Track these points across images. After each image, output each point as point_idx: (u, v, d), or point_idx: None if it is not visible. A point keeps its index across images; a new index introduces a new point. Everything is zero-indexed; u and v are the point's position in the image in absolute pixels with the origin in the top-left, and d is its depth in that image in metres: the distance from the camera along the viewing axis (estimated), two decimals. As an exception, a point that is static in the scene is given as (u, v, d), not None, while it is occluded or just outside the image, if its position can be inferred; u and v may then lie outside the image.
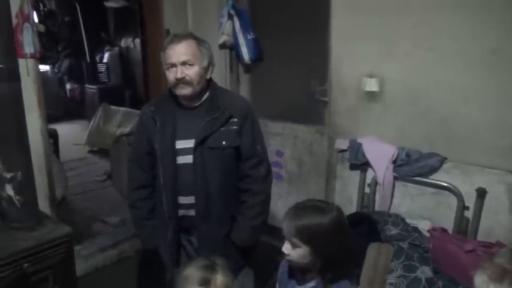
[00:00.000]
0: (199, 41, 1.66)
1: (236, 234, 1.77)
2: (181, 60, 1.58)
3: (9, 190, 1.68)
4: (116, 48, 7.20)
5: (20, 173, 1.67)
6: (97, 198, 4.05)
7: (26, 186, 1.72)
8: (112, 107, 5.64)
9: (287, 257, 1.27)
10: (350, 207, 2.49)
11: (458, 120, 2.08)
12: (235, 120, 1.66)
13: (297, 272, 1.35)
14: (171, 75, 1.61)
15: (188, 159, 1.65)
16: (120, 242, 2.96)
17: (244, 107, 1.72)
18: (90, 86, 6.94)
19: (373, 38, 2.30)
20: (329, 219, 1.22)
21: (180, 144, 1.67)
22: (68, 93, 7.48)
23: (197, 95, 1.67)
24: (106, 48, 7.29)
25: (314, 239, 1.21)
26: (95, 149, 5.58)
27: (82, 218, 3.47)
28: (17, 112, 1.63)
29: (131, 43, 6.90)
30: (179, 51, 1.59)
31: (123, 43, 7.12)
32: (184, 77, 1.59)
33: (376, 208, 2.40)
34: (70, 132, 6.43)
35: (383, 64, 2.29)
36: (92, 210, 3.67)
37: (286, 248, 1.25)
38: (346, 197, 2.54)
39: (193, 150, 1.63)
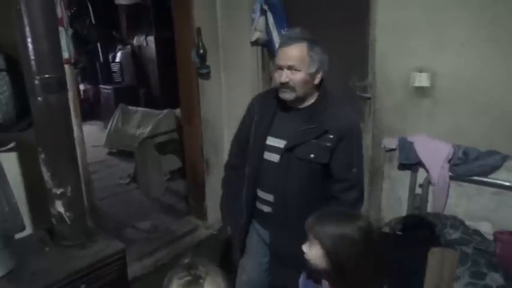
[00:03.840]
0: (312, 45, 1.57)
1: None
2: (288, 64, 1.54)
3: (59, 207, 1.59)
4: (129, 46, 7.09)
5: (69, 187, 1.58)
6: (123, 202, 3.96)
7: (76, 202, 1.63)
8: (130, 107, 5.54)
9: (305, 256, 1.30)
10: (399, 209, 2.39)
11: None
12: (331, 136, 1.56)
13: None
14: (277, 77, 1.59)
15: (275, 158, 1.65)
16: (156, 249, 2.87)
17: (346, 125, 1.60)
18: (104, 86, 6.85)
19: (423, 30, 2.18)
20: (351, 230, 1.23)
21: (272, 141, 1.67)
22: (81, 94, 7.39)
23: (301, 99, 1.62)
24: (118, 47, 7.18)
25: (330, 242, 1.24)
26: (114, 150, 5.50)
27: (112, 224, 3.38)
28: (66, 125, 1.53)
29: (144, 41, 6.78)
30: (287, 55, 1.55)
31: (135, 41, 7.00)
32: (288, 82, 1.55)
33: (429, 209, 2.29)
34: (86, 133, 6.26)
35: (435, 58, 2.17)
36: (121, 216, 3.58)
37: (305, 246, 1.30)
38: (395, 197, 2.43)
39: (282, 153, 1.62)
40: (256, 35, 2.81)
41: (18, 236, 1.79)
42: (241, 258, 1.96)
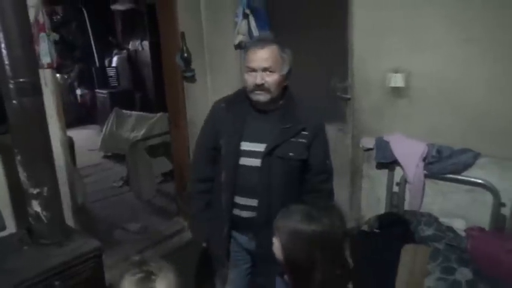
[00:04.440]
0: (282, 47, 1.63)
1: None
2: (262, 67, 1.57)
3: (36, 206, 1.65)
4: (124, 51, 7.18)
5: (46, 188, 1.64)
6: (115, 204, 4.02)
7: (53, 201, 1.68)
8: (124, 111, 5.62)
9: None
10: (378, 207, 2.43)
11: (493, 113, 2.00)
12: (306, 133, 1.64)
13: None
14: (250, 79, 1.60)
15: (253, 162, 1.65)
16: (143, 249, 2.92)
17: (319, 122, 1.70)
18: (100, 91, 6.92)
19: (398, 31, 2.23)
20: (308, 229, 1.21)
21: (247, 146, 1.66)
22: (78, 98, 7.48)
23: (274, 101, 1.65)
24: (114, 51, 7.27)
25: (286, 237, 1.25)
26: (109, 154, 5.56)
27: (102, 225, 3.45)
28: (41, 127, 1.59)
29: (139, 46, 6.86)
30: (261, 57, 1.57)
31: (131, 46, 7.08)
32: (263, 84, 1.58)
33: (406, 207, 2.33)
34: (83, 137, 6.41)
35: (409, 58, 2.21)
36: (112, 218, 3.64)
37: (274, 239, 1.30)
38: (374, 196, 2.47)
39: (263, 156, 1.62)
40: (239, 38, 2.86)
41: (0, 235, 1.85)
42: (225, 268, 1.93)
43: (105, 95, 6.76)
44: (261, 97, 1.61)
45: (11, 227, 1.94)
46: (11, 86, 1.49)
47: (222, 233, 1.76)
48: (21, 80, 1.49)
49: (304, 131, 1.64)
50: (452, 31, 2.05)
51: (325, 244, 1.22)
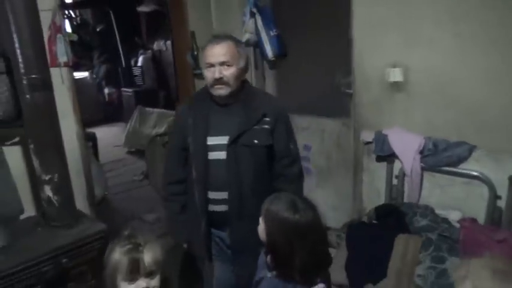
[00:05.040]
0: (237, 42, 1.70)
1: None
2: (220, 61, 1.62)
3: (48, 191, 1.81)
4: (149, 51, 7.43)
5: (56, 174, 1.80)
6: (135, 197, 4.22)
7: (63, 187, 1.85)
8: (147, 108, 5.84)
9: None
10: (378, 200, 2.48)
11: (488, 107, 2.02)
12: (268, 119, 1.69)
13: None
14: (209, 74, 1.65)
15: (221, 155, 1.68)
16: (157, 238, 3.07)
17: (278, 107, 1.76)
18: (126, 90, 7.21)
19: (396, 27, 2.27)
20: (291, 217, 1.27)
21: (213, 140, 1.70)
22: (106, 97, 7.80)
23: (233, 94, 1.70)
24: (140, 52, 7.53)
25: (270, 223, 1.31)
26: (133, 149, 5.80)
27: (121, 216, 3.64)
28: (51, 119, 1.75)
29: (163, 45, 7.09)
30: (218, 52, 1.63)
31: (155, 46, 7.32)
32: (222, 78, 1.63)
33: (405, 200, 2.37)
34: (110, 135, 6.71)
35: (407, 53, 2.25)
36: (131, 209, 3.84)
37: (260, 220, 1.35)
38: (374, 189, 2.52)
39: (227, 147, 1.66)
40: (246, 36, 2.97)
41: (21, 217, 2.04)
42: (208, 266, 1.90)
43: (131, 94, 7.03)
44: (222, 91, 1.65)
45: (30, 211, 2.12)
46: (24, 81, 1.67)
47: (200, 230, 1.76)
48: (33, 76, 1.66)
49: (265, 117, 1.68)
50: (446, 26, 2.08)
51: (307, 234, 1.28)
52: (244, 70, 1.72)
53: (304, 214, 1.28)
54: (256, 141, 1.67)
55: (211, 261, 1.87)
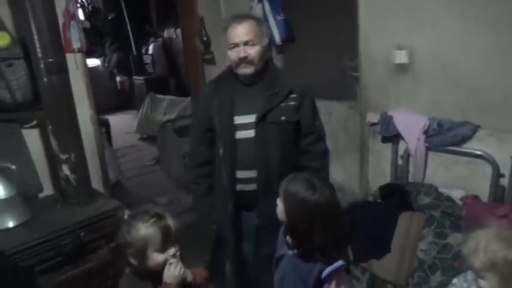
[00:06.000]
0: (258, 21, 1.72)
1: None
2: (244, 40, 1.64)
3: (66, 170, 1.91)
4: (160, 39, 7.50)
5: (73, 154, 1.90)
6: (147, 181, 4.34)
7: (80, 166, 1.94)
8: (158, 95, 5.94)
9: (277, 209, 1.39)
10: (384, 180, 2.52)
11: (491, 87, 2.04)
12: (295, 96, 1.70)
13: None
14: (234, 54, 1.66)
15: (248, 134, 1.69)
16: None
17: (304, 86, 1.77)
18: (137, 77, 7.31)
19: (401, 9, 2.29)
20: (309, 196, 1.29)
21: (240, 119, 1.71)
22: (118, 85, 7.93)
23: (257, 73, 1.71)
24: (150, 40, 7.61)
25: (291, 203, 1.33)
26: (144, 136, 5.93)
27: (134, 199, 3.76)
28: (68, 100, 1.84)
29: (173, 33, 7.15)
30: (241, 32, 1.64)
31: (165, 34, 7.40)
32: (246, 57, 1.64)
33: (410, 179, 2.42)
34: (122, 121, 6.84)
35: (411, 35, 2.28)
36: (143, 192, 3.96)
37: (279, 201, 1.38)
38: (380, 169, 2.57)
39: (255, 125, 1.67)
40: (254, 21, 3.01)
41: (41, 196, 2.15)
42: (236, 247, 1.85)
43: (142, 81, 7.14)
44: (247, 70, 1.67)
45: (48, 190, 2.23)
46: (42, 66, 1.75)
47: (227, 211, 1.76)
48: (49, 60, 1.75)
49: (292, 94, 1.70)
50: (451, 7, 2.10)
51: (327, 213, 1.30)
52: (267, 48, 1.74)
53: (323, 193, 1.31)
54: (283, 117, 1.68)
55: (239, 242, 1.86)
